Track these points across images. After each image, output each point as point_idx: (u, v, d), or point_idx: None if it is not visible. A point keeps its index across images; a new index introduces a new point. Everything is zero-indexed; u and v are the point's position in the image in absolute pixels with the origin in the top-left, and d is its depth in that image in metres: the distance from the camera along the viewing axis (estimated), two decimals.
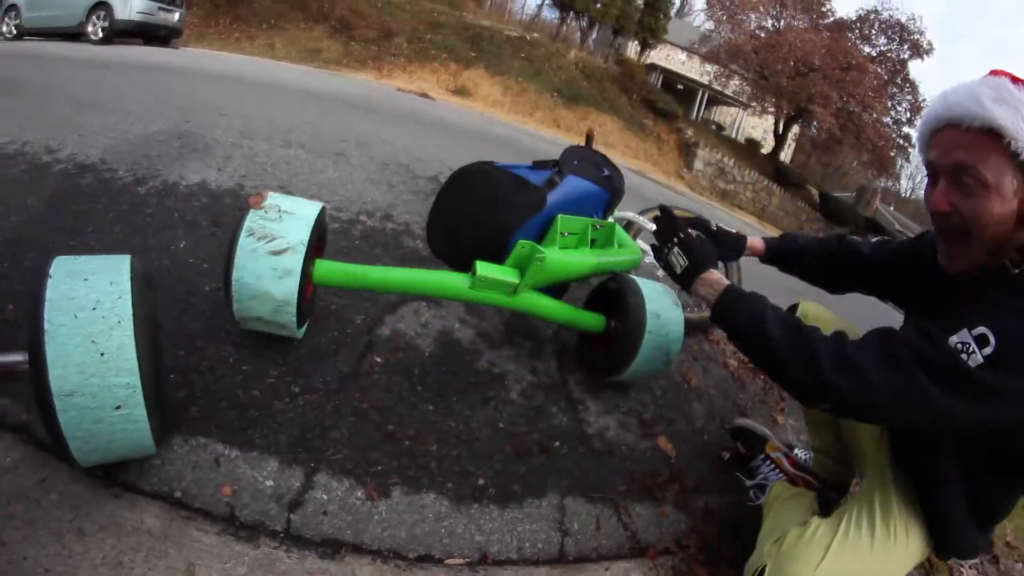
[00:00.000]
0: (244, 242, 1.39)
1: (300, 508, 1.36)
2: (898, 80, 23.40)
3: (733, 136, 28.22)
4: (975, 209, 1.10)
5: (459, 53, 16.63)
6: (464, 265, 1.69)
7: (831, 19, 24.21)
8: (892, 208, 34.86)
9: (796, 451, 1.95)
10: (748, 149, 24.38)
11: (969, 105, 1.09)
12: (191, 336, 1.67)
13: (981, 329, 1.04)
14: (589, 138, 2.46)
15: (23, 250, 1.84)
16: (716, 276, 1.38)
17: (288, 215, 1.46)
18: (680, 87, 28.53)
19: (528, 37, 18.81)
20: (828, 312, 1.79)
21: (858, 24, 23.97)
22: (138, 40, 10.49)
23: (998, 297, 1.11)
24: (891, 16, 23.50)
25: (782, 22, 23.71)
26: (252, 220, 1.42)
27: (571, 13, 21.11)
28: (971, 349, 1.04)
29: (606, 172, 2.08)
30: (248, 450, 1.43)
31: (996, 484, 1.28)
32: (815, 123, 24.25)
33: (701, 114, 28.52)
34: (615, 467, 1.83)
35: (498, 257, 1.71)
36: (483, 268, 1.63)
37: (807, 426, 1.95)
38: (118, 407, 1.07)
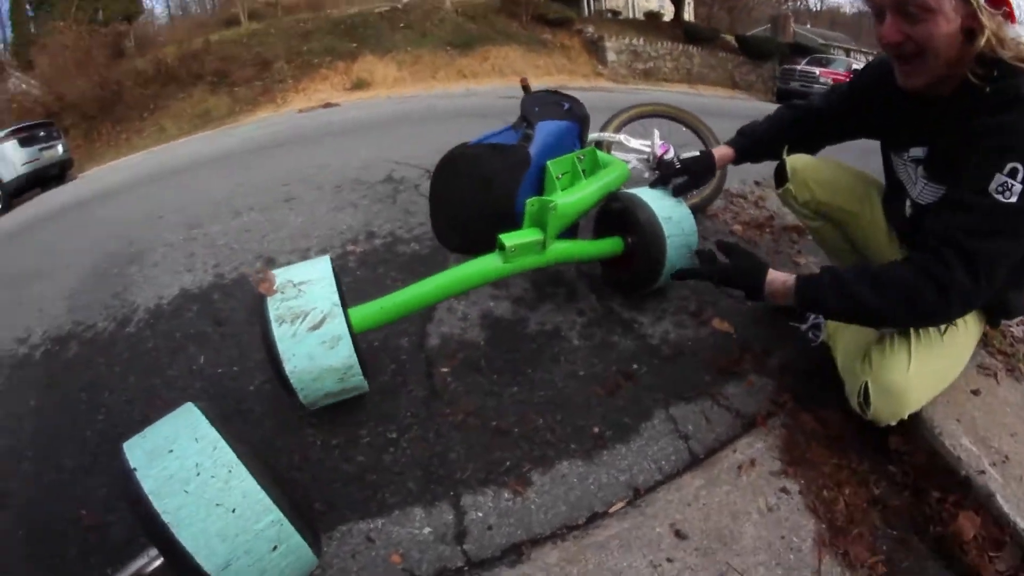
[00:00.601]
0: (280, 332, 1.32)
1: (467, 536, 1.36)
2: None
3: (632, 16, 27.78)
4: (924, 32, 1.20)
5: (341, 50, 16.16)
6: (484, 247, 1.68)
7: None
8: (809, 26, 34.73)
9: None
10: (651, 23, 23.91)
11: None
12: (268, 440, 1.63)
13: (1010, 165, 1.14)
14: (526, 87, 2.47)
15: (60, 452, 1.76)
16: (779, 281, 1.42)
17: (306, 284, 1.40)
18: None
19: (399, 5, 18.28)
20: (811, 157, 1.87)
21: None
22: (36, 190, 10.13)
23: (991, 122, 1.19)
24: None
25: None
26: (275, 308, 1.35)
27: None
28: (1009, 185, 1.14)
29: (566, 105, 2.09)
30: (389, 512, 1.41)
31: None
32: None
33: (593, 7, 28.00)
34: (691, 363, 1.89)
35: (512, 225, 1.69)
36: (509, 239, 1.61)
37: (828, 256, 2.02)
38: (274, 548, 1.02)
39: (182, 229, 3.23)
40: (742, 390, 1.79)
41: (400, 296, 1.55)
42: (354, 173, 3.85)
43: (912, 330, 1.45)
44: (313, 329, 1.33)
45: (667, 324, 2.06)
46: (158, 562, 1.04)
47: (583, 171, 1.88)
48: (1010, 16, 1.18)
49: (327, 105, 12.09)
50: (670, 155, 2.94)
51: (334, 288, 1.40)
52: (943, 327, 1.46)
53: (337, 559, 1.31)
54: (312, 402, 1.45)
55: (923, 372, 1.41)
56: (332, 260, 1.52)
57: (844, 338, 1.66)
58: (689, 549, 1.31)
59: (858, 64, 19.81)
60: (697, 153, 1.88)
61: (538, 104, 2.04)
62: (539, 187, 1.82)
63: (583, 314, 2.08)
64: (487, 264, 1.62)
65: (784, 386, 1.80)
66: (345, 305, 1.46)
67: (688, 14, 27.19)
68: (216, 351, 2.02)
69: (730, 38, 23.57)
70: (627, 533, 1.34)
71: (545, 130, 1.90)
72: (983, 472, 1.37)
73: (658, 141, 2.91)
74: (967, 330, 1.51)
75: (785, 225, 3.03)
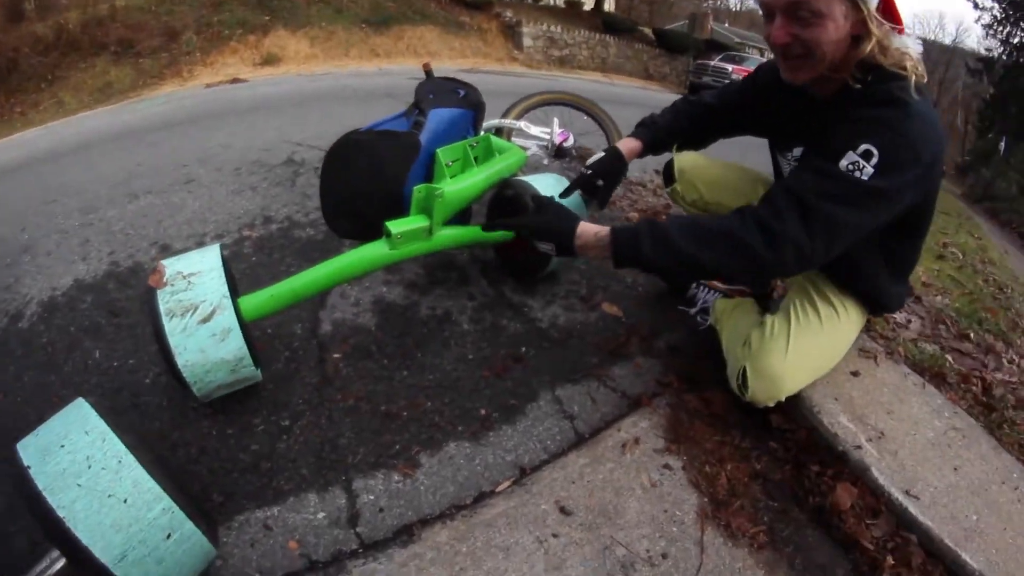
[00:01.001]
0: (170, 326, 1.34)
1: (360, 519, 1.41)
2: None
3: (552, 3, 27.82)
4: (813, 36, 1.25)
5: (253, 23, 15.41)
6: (374, 234, 1.73)
7: None
8: (727, 24, 35.59)
9: None
10: (571, 11, 23.92)
11: None
12: (163, 433, 1.63)
13: (864, 146, 1.20)
14: (428, 72, 2.49)
15: None
16: (590, 232, 1.40)
17: (195, 276, 1.42)
18: None
19: None
20: (699, 156, 1.98)
21: None
22: None
23: (860, 112, 1.25)
24: None
25: None
26: (165, 301, 1.36)
27: None
28: (861, 166, 1.20)
29: (461, 92, 2.14)
30: (284, 499, 1.45)
31: (901, 245, 1.53)
32: None
33: None
34: (579, 346, 2.00)
35: (401, 212, 1.76)
36: (394, 226, 1.67)
37: None
38: (168, 535, 1.04)
39: (77, 214, 3.08)
40: (629, 372, 1.90)
41: (290, 284, 1.60)
42: (255, 154, 3.79)
43: (793, 316, 1.57)
44: (203, 322, 1.37)
45: (557, 308, 2.17)
46: (60, 563, 1.04)
47: (475, 158, 1.95)
48: (898, 27, 1.25)
49: (235, 80, 11.58)
50: (569, 142, 3.06)
51: (223, 279, 1.43)
52: (822, 314, 1.57)
53: (237, 548, 1.34)
54: (206, 394, 1.47)
55: (800, 358, 1.52)
56: (226, 247, 1.55)
57: (729, 323, 1.79)
58: (574, 524, 1.40)
59: None
60: (602, 153, 1.85)
61: (432, 91, 2.08)
62: (429, 174, 1.89)
63: (474, 298, 2.18)
64: (374, 251, 1.68)
65: (670, 368, 1.91)
66: (236, 294, 1.49)
67: (609, 5, 27.35)
68: (111, 344, 1.99)
69: (648, 31, 23.84)
70: (513, 511, 1.43)
71: (436, 118, 1.96)
72: (859, 447, 1.50)
73: (557, 129, 3.01)
74: (848, 318, 1.62)
75: (680, 213, 3.17)
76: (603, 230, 1.38)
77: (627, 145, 1.85)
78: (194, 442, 1.60)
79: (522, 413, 1.73)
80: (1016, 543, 1.33)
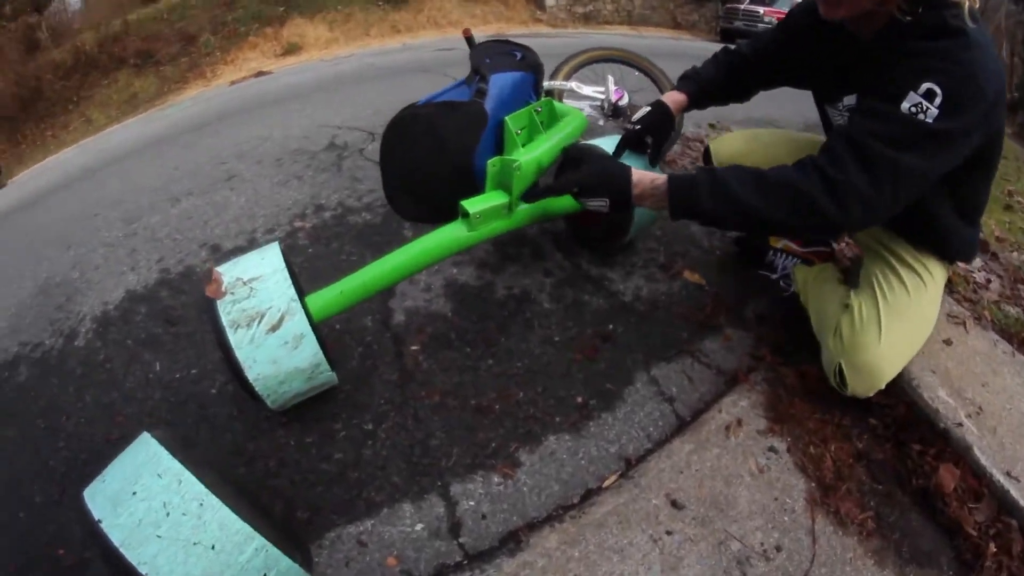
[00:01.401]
0: (236, 338, 1.20)
1: (462, 528, 1.29)
2: None
3: None
4: None
5: (268, 15, 15.41)
6: (443, 215, 1.57)
7: None
8: None
9: None
10: None
11: None
12: (238, 446, 1.52)
13: (926, 85, 1.10)
14: (469, 39, 2.34)
15: (26, 487, 1.59)
16: (646, 180, 1.31)
17: (257, 281, 1.27)
18: None
19: None
20: (737, 138, 1.90)
21: None
22: None
23: (916, 47, 1.15)
24: None
25: None
26: (227, 312, 1.22)
27: None
28: (924, 107, 1.10)
29: (519, 55, 1.96)
30: (377, 511, 1.34)
31: (970, 186, 1.38)
32: None
33: None
34: (666, 318, 1.86)
35: (472, 189, 1.58)
36: (472, 205, 1.49)
37: None
38: (264, 575, 0.96)
39: (120, 225, 3.01)
40: (720, 346, 1.77)
41: (361, 277, 1.43)
42: (295, 143, 3.65)
43: (879, 293, 1.45)
44: (272, 330, 1.22)
45: (638, 279, 2.01)
46: None
47: (541, 124, 1.77)
48: None
49: (259, 74, 11.56)
50: (624, 101, 2.85)
51: (288, 281, 1.28)
52: (908, 285, 1.45)
53: (331, 568, 1.24)
54: (281, 405, 1.35)
55: (896, 341, 1.41)
56: (281, 242, 1.40)
57: (814, 296, 1.66)
58: (687, 519, 1.29)
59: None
60: (648, 107, 1.75)
61: (489, 55, 1.90)
62: (498, 145, 1.70)
63: (550, 274, 2.02)
64: (451, 234, 1.50)
65: (762, 339, 1.79)
66: (302, 294, 1.35)
67: None
68: (171, 355, 1.88)
69: None
70: (624, 508, 1.30)
71: (500, 83, 1.76)
72: (960, 424, 1.41)
73: (612, 87, 2.80)
74: (933, 281, 1.50)
75: None
76: (659, 178, 1.30)
77: (672, 98, 1.76)
78: (271, 454, 1.48)
79: (620, 398, 1.59)
80: None
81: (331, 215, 2.50)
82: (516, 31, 15.25)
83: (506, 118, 1.61)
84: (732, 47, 1.81)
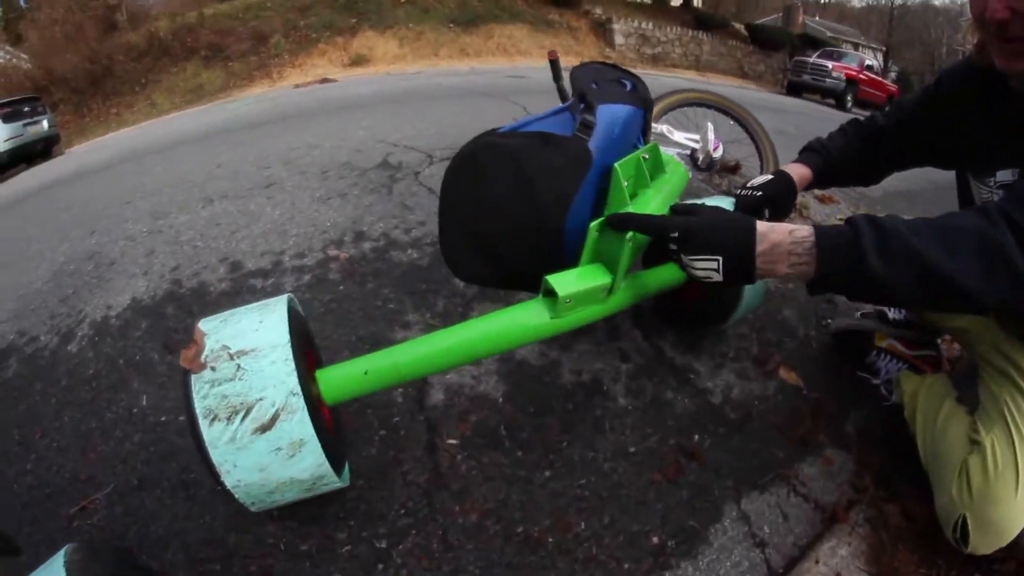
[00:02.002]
0: (211, 434, 0.86)
1: None
2: None
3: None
4: None
5: (340, 25, 15.68)
6: (516, 281, 1.22)
7: None
8: (817, 18, 34.73)
9: (890, 313, 1.74)
10: (660, 7, 23.75)
11: None
12: (215, 537, 1.18)
13: None
14: (554, 63, 2.05)
15: None
16: (781, 235, 0.94)
17: (248, 356, 0.91)
18: None
19: None
20: None
21: None
22: (22, 166, 9.77)
23: None
24: None
25: None
26: (202, 393, 0.87)
27: None
28: None
29: (628, 85, 1.58)
30: None
31: None
32: None
33: None
34: (761, 431, 1.51)
35: (558, 253, 1.19)
36: (562, 284, 1.08)
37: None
38: None
39: (147, 219, 2.80)
40: (819, 470, 1.44)
41: (395, 355, 1.05)
42: (345, 155, 3.40)
43: (1014, 429, 1.15)
44: (261, 431, 0.87)
45: (728, 374, 1.65)
46: None
47: (648, 174, 1.41)
48: None
49: (324, 81, 11.59)
50: (720, 152, 2.52)
51: (291, 363, 0.91)
52: None
53: None
54: (269, 509, 1.00)
55: None
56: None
57: (927, 418, 1.38)
58: None
59: (870, 59, 19.69)
60: (769, 176, 1.47)
61: (596, 79, 1.50)
62: (599, 196, 1.30)
63: (627, 359, 1.64)
64: (528, 318, 1.10)
65: (864, 464, 1.46)
66: (317, 363, 0.99)
67: (698, 0, 26.96)
68: (162, 389, 1.59)
69: (740, 27, 23.52)
70: None
71: (607, 117, 1.36)
72: None
73: (711, 135, 2.46)
74: None
75: None
76: (801, 231, 0.93)
77: (798, 171, 1.51)
78: (254, 556, 1.13)
79: (704, 541, 1.22)
80: None
81: (372, 247, 2.17)
82: None
83: (616, 164, 1.23)
84: (861, 119, 1.58)
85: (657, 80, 12.61)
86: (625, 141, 1.43)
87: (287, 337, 0.93)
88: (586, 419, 1.44)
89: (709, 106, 2.74)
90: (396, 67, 13.91)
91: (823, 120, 9.35)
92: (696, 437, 1.44)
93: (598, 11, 19.20)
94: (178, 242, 2.43)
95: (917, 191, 4.20)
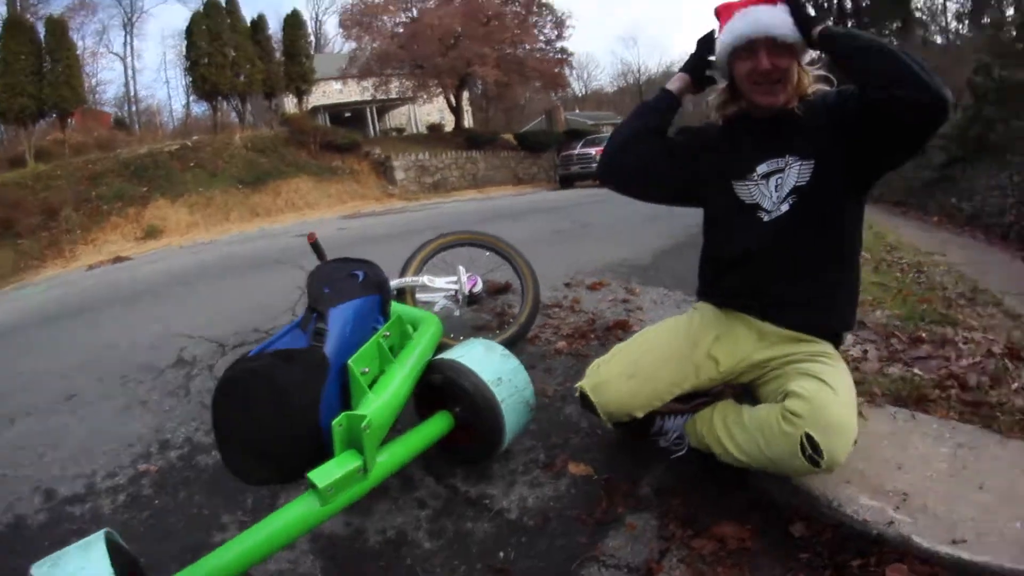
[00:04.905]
0: None
1: None
2: (534, 8, 24.65)
3: (416, 131, 28.90)
4: (786, 63, 1.54)
5: (132, 194, 14.94)
6: (294, 475, 1.44)
7: None
8: (577, 111, 38.21)
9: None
10: (434, 135, 24.99)
11: (781, 27, 1.50)
12: None
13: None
14: (315, 245, 2.27)
15: None
16: None
17: None
18: (348, 114, 28.52)
19: (189, 143, 17.47)
20: (616, 379, 1.79)
21: None
22: None
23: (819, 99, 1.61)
24: None
25: (415, 11, 23.94)
26: None
27: (219, 98, 19.83)
28: None
29: (360, 275, 1.85)
30: None
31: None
32: (479, 82, 25.39)
33: (378, 128, 28.88)
34: (561, 527, 1.70)
35: (321, 446, 1.45)
36: (320, 477, 1.32)
37: None
38: None
39: None
40: (625, 538, 1.62)
41: (207, 564, 1.21)
42: (142, 355, 3.40)
43: (808, 370, 1.53)
44: None
45: (521, 488, 1.87)
46: None
47: (392, 349, 1.68)
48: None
49: (117, 259, 11.00)
50: (479, 287, 2.81)
51: None
52: (822, 359, 1.58)
53: None
54: None
55: (844, 390, 1.47)
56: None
57: (733, 421, 1.61)
58: None
59: None
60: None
61: (327, 283, 1.77)
62: (345, 390, 1.57)
63: (425, 505, 1.84)
64: (302, 511, 1.32)
65: (666, 515, 1.67)
66: None
67: (468, 121, 28.72)
68: None
69: (509, 137, 25.07)
70: None
71: (340, 318, 1.63)
72: (891, 522, 1.39)
73: (464, 277, 2.76)
74: (837, 355, 1.64)
75: (608, 324, 3.01)
76: None
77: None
78: None
79: None
80: None
81: (177, 455, 2.25)
82: (371, 208, 15.74)
83: (349, 361, 1.51)
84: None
85: (438, 208, 13.22)
86: (362, 332, 1.69)
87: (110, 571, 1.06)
88: (399, 571, 1.61)
89: (462, 245, 3.03)
90: (189, 236, 13.52)
91: (598, 202, 10.34)
92: (501, 554, 1.62)
93: (377, 151, 19.99)
94: None
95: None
